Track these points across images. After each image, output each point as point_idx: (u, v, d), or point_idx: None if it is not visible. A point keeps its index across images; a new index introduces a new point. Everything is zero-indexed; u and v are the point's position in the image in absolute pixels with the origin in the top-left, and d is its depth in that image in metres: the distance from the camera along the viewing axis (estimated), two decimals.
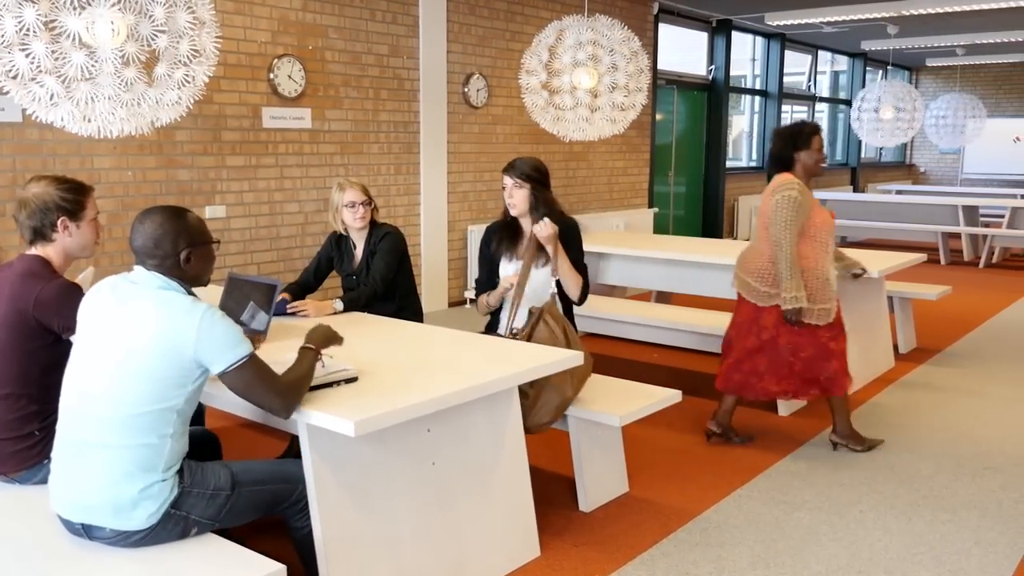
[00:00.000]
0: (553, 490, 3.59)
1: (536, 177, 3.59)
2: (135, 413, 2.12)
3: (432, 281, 7.30)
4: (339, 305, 3.66)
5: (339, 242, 4.05)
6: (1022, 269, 10.20)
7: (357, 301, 3.72)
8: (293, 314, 3.55)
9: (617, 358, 5.81)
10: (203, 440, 2.69)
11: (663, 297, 7.00)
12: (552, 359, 2.79)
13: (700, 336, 4.90)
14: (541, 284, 3.50)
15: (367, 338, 3.15)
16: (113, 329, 2.17)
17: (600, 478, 3.46)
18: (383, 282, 3.81)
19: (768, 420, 4.54)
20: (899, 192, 14.78)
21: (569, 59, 5.77)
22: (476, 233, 7.55)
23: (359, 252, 3.98)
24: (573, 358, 2.87)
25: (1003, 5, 9.01)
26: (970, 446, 4.16)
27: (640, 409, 3.27)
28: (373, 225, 3.94)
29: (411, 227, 7.09)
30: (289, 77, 6.03)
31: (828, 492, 3.61)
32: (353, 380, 2.50)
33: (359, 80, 6.56)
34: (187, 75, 3.30)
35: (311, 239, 6.30)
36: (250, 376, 2.19)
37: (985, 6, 9.12)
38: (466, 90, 7.42)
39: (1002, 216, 11.99)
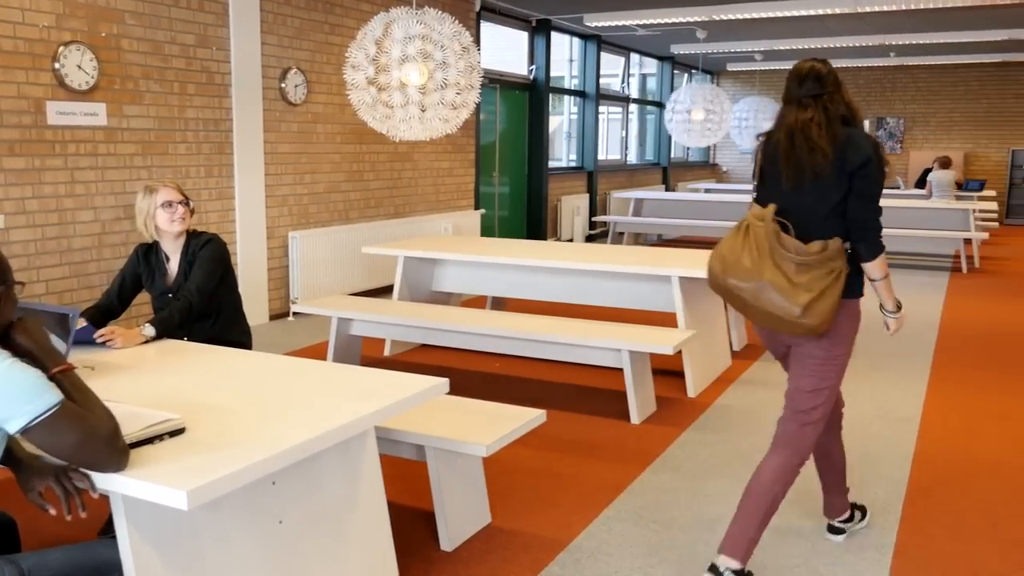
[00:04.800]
0: (409, 528, 3.24)
1: None
2: None
3: (252, 292, 6.72)
4: (149, 331, 3.13)
5: (148, 255, 3.49)
6: None
7: (170, 321, 3.19)
8: (100, 343, 3.00)
9: (458, 370, 5.52)
10: None
11: (498, 303, 6.78)
12: (417, 389, 2.45)
13: (540, 344, 4.69)
14: None
15: (191, 373, 2.68)
16: None
17: (462, 512, 3.14)
18: (200, 293, 3.29)
19: (621, 429, 4.39)
20: (708, 191, 15.43)
21: (398, 54, 5.41)
22: (299, 240, 7.03)
23: (173, 265, 3.45)
24: (438, 387, 2.53)
25: (799, 13, 9.50)
26: None
27: (507, 435, 2.98)
28: (190, 235, 3.43)
29: (226, 235, 6.48)
30: (79, 67, 5.30)
31: (696, 506, 3.47)
32: (179, 432, 2.05)
33: (162, 72, 5.89)
34: None
35: (110, 251, 5.58)
36: (63, 429, 1.72)
37: (784, 13, 9.56)
38: (283, 86, 6.88)
39: None
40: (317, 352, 5.96)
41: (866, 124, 16.80)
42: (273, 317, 7.01)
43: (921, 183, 13.64)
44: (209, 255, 3.35)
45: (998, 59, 14.91)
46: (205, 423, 2.14)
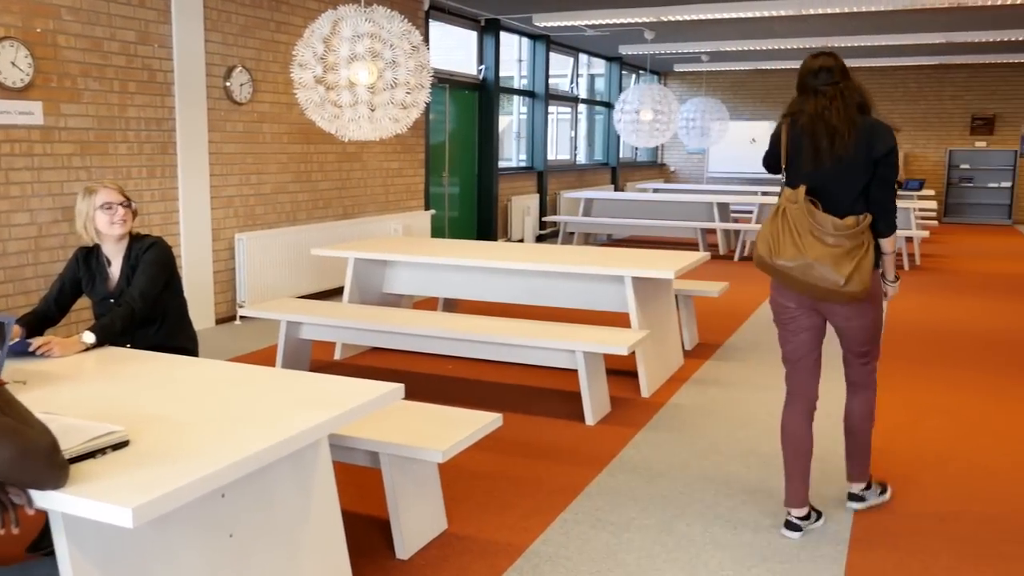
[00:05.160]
0: (363, 536, 3.17)
1: None
2: None
3: (197, 296, 6.56)
4: (89, 338, 3.01)
5: (88, 259, 3.37)
6: None
7: (111, 328, 3.07)
8: (37, 354, 2.87)
9: (410, 373, 5.45)
10: None
11: (450, 304, 6.73)
12: (372, 396, 2.39)
13: (494, 346, 4.65)
14: None
15: (134, 382, 2.58)
16: None
17: (418, 519, 3.09)
18: (144, 299, 3.18)
19: (576, 431, 4.37)
20: (656, 191, 15.54)
21: (346, 52, 5.32)
22: (245, 242, 6.89)
23: (115, 270, 3.33)
24: (393, 393, 2.48)
25: (745, 15, 9.61)
26: (771, 442, 4.21)
27: (463, 440, 2.93)
28: (134, 238, 3.31)
29: (170, 237, 6.32)
30: (12, 64, 5.11)
31: (652, 507, 3.46)
32: (123, 445, 1.96)
33: (102, 70, 5.72)
34: None
35: (47, 255, 5.40)
36: None
37: (731, 15, 9.67)
38: (228, 84, 6.73)
39: (750, 212, 12.90)
40: (265, 356, 5.84)
41: None
42: (219, 321, 6.85)
43: None
44: (152, 259, 3.24)
45: (935, 62, 15.29)
46: (150, 435, 2.06)
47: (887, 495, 3.50)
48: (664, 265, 5.00)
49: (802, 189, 3.02)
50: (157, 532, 1.94)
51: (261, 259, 7.04)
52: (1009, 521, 3.36)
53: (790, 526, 3.23)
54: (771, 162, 3.28)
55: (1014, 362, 5.84)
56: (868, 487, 3.45)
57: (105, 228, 3.23)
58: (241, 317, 6.96)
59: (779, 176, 3.25)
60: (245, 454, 1.94)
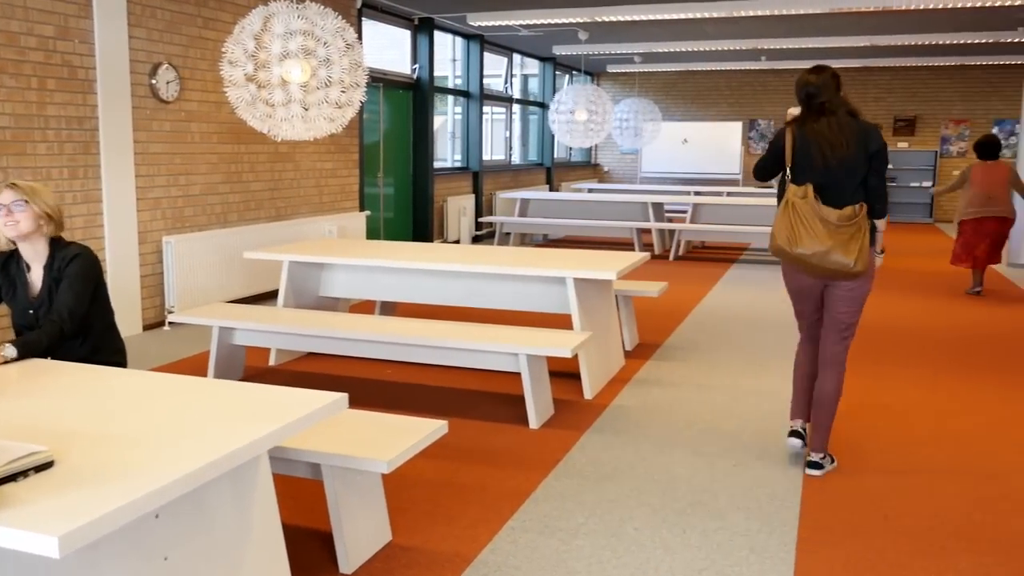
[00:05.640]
0: (305, 551, 3.06)
1: None
2: None
3: (123, 302, 6.32)
4: (11, 352, 2.83)
5: (6, 266, 3.18)
6: (705, 260, 11.08)
7: (36, 344, 2.91)
8: None
9: (349, 379, 5.32)
10: None
11: (387, 307, 6.61)
12: (314, 407, 2.28)
13: (436, 350, 4.55)
14: None
15: (59, 397, 2.43)
16: None
17: (361, 531, 2.98)
18: (72, 318, 3.02)
19: (520, 435, 4.31)
20: (591, 191, 15.60)
21: (279, 49, 5.17)
22: (173, 245, 6.66)
23: (36, 276, 3.15)
24: (337, 402, 2.37)
25: (677, 16, 9.69)
26: (715, 442, 4.22)
27: (408, 448, 2.84)
28: (56, 244, 3.13)
29: (94, 240, 6.06)
30: None
31: (599, 511, 3.42)
32: (47, 466, 1.83)
33: (18, 66, 5.45)
34: None
35: None
36: None
37: (664, 16, 9.74)
38: (154, 82, 6.49)
39: (684, 212, 13.03)
40: (197, 364, 5.64)
41: (739, 124, 17.41)
42: (147, 327, 6.61)
43: None
44: (77, 272, 3.07)
45: (859, 64, 15.69)
46: (76, 454, 1.93)
47: (835, 464, 3.92)
48: (606, 266, 4.97)
49: (810, 187, 3.58)
50: (85, 558, 1.81)
51: (191, 263, 6.81)
52: (949, 516, 3.41)
53: (794, 434, 3.90)
54: (769, 165, 3.81)
55: (948, 357, 5.99)
56: (825, 456, 3.82)
57: (2, 231, 3.06)
58: (170, 323, 6.72)
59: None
60: (181, 473, 1.82)
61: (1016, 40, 11.45)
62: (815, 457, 3.80)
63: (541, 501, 3.51)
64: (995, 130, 15.90)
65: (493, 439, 4.25)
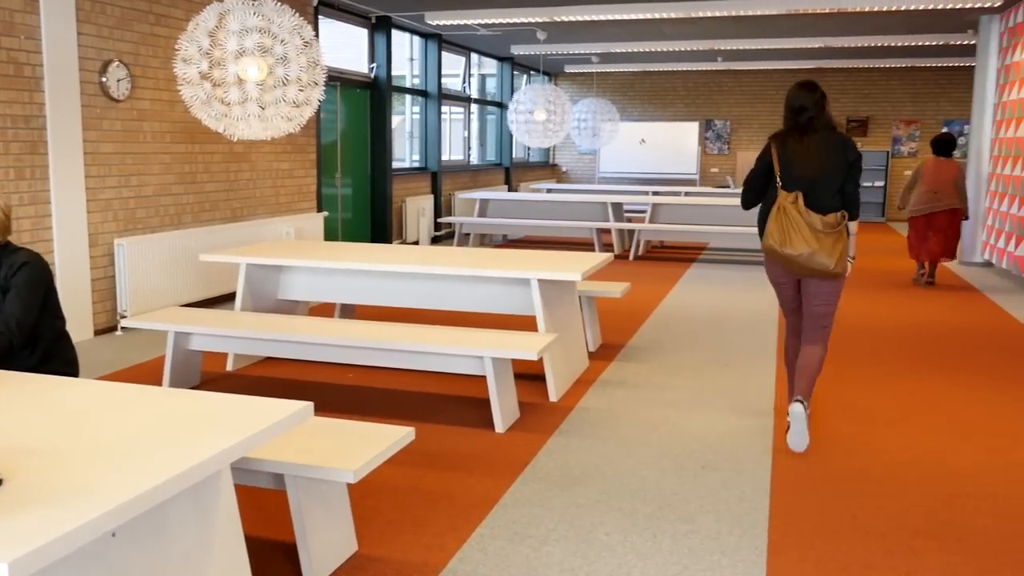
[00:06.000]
0: (268, 563, 2.96)
1: None
2: None
3: (74, 306, 6.13)
4: None
5: None
6: (664, 260, 11.12)
7: None
8: None
9: (309, 384, 5.21)
10: None
11: (347, 310, 6.50)
12: (278, 417, 2.20)
13: (399, 353, 4.47)
14: None
15: (6, 410, 2.31)
16: None
17: (326, 542, 2.90)
18: (21, 329, 2.88)
19: (486, 439, 4.25)
20: (550, 191, 15.59)
21: (234, 47, 5.04)
22: (126, 247, 6.47)
23: None
24: (302, 412, 2.29)
25: (635, 16, 9.71)
26: (682, 444, 4.20)
27: (375, 457, 2.76)
28: (3, 250, 2.99)
29: (42, 243, 5.87)
30: None
31: (569, 516, 3.37)
32: None
33: None
34: None
35: None
36: None
37: (623, 16, 9.75)
38: (104, 80, 6.30)
39: (642, 212, 13.07)
40: (151, 369, 5.49)
41: (696, 125, 17.54)
42: (99, 332, 6.42)
43: None
44: (25, 280, 2.94)
45: (812, 65, 15.89)
46: (26, 472, 1.82)
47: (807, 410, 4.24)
48: (570, 267, 4.93)
49: (800, 194, 3.99)
50: None
51: (144, 266, 6.63)
52: (915, 514, 3.43)
53: (797, 402, 4.12)
54: (757, 184, 4.18)
55: (907, 356, 6.05)
56: (805, 401, 4.16)
57: None
58: (123, 328, 6.54)
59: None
60: (139, 491, 1.73)
61: (966, 42, 11.67)
62: (801, 398, 4.15)
63: (510, 507, 3.46)
64: (944, 130, 16.23)
65: (459, 444, 4.18)
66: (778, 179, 4.06)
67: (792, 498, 3.58)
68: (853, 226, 4.13)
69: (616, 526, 3.29)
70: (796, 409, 4.07)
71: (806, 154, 4.00)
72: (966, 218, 8.92)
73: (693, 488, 3.67)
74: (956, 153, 12.78)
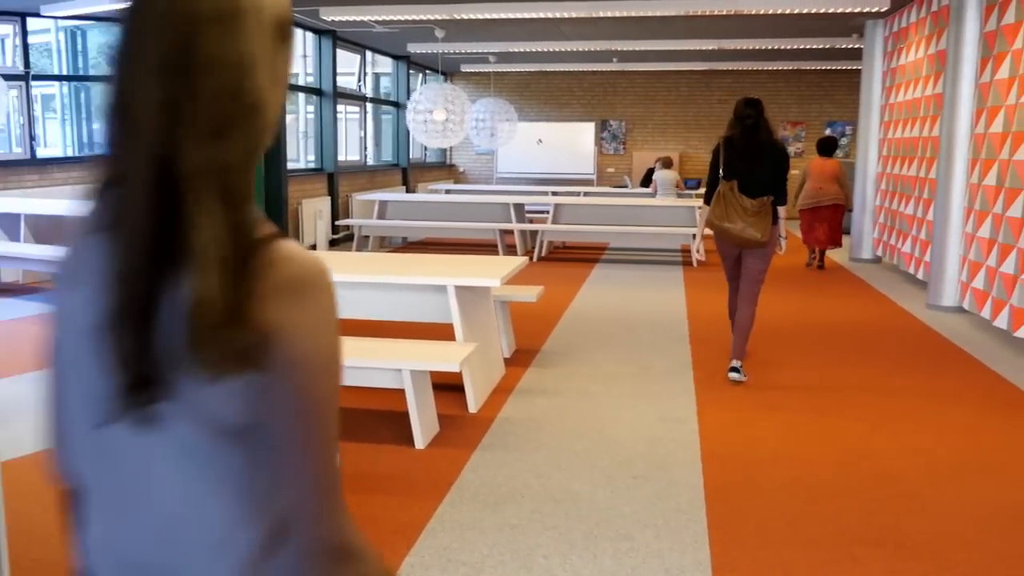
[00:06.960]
0: None
1: None
2: None
3: None
4: None
5: None
6: (567, 260, 11.07)
7: None
8: None
9: None
10: None
11: None
12: None
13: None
14: None
15: None
16: None
17: None
18: None
19: (407, 456, 4.02)
20: (449, 191, 15.37)
21: None
22: None
23: None
24: None
25: (536, 15, 9.61)
26: (610, 454, 4.07)
27: None
28: None
29: None
30: None
31: (503, 539, 3.19)
32: None
33: None
34: None
35: None
36: None
37: (522, 15, 9.63)
38: None
39: (545, 212, 13.01)
40: None
41: (592, 125, 17.63)
42: None
43: (646, 182, 14.44)
44: None
45: (704, 67, 16.20)
46: None
47: (746, 378, 5.29)
48: (488, 272, 4.74)
49: (735, 182, 5.05)
50: None
51: None
52: (850, 519, 3.39)
53: (734, 370, 5.22)
54: (713, 177, 5.19)
55: (815, 355, 6.11)
56: (741, 366, 5.23)
57: None
58: None
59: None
60: None
61: (851, 46, 12.06)
62: (736, 364, 5.23)
63: (439, 532, 3.24)
64: (827, 131, 16.81)
65: (378, 463, 3.94)
66: (721, 171, 5.12)
67: (728, 508, 3.49)
68: (782, 211, 5.11)
69: (554, 547, 3.13)
70: (733, 377, 5.21)
71: (744, 152, 5.06)
72: (850, 209, 10.23)
73: (627, 501, 3.54)
74: (839, 153, 13.27)
